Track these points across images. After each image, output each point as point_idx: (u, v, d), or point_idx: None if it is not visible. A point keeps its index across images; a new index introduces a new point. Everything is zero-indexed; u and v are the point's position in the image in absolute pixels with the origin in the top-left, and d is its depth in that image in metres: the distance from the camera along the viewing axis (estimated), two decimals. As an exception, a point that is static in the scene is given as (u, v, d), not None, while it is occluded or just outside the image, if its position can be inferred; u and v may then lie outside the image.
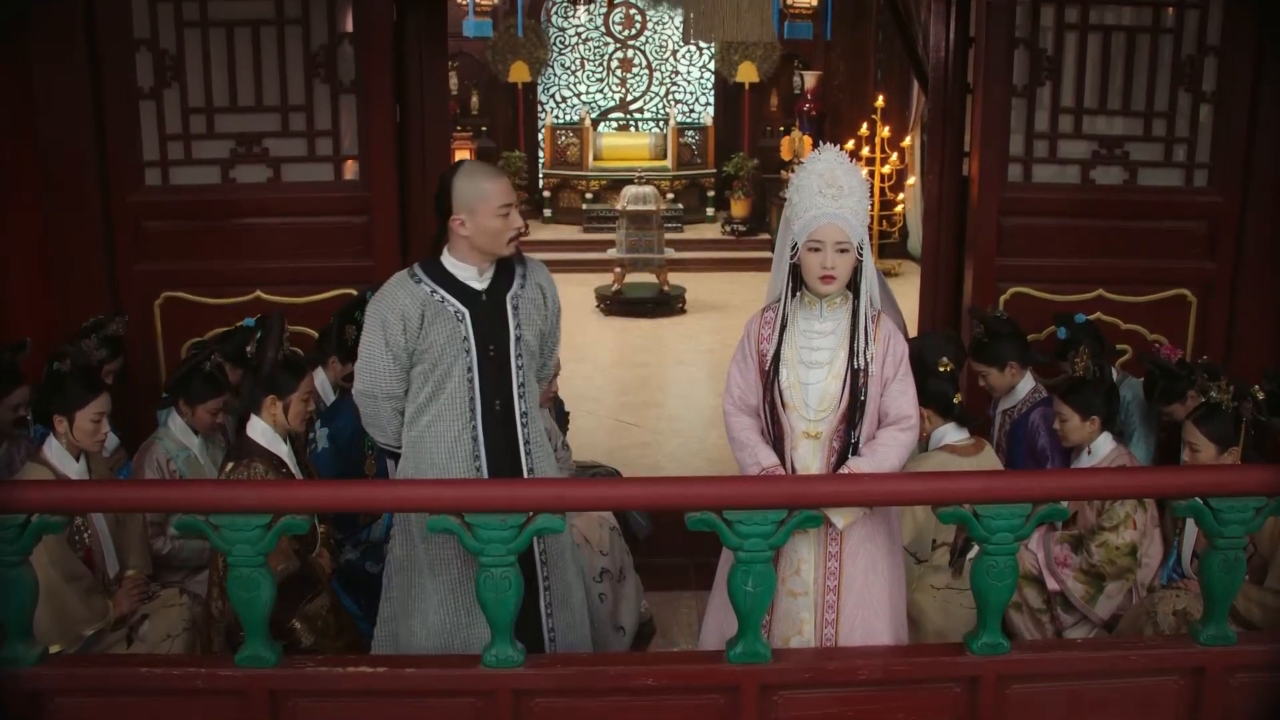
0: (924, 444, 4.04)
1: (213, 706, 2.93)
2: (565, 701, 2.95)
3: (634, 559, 4.32)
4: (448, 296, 3.18)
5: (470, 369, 3.19)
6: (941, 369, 3.97)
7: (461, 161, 3.33)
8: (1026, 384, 4.43)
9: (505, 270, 3.26)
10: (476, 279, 3.22)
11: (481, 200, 3.12)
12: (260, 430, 3.58)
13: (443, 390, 3.19)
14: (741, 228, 12.76)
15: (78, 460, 3.64)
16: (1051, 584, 3.92)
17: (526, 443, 3.28)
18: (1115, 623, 3.88)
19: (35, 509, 2.83)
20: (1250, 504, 2.93)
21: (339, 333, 4.39)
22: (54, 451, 3.60)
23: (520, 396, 3.26)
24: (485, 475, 3.22)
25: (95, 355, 4.05)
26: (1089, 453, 3.98)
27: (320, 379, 4.43)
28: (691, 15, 4.69)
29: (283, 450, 3.61)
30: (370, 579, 3.97)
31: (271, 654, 2.91)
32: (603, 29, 13.91)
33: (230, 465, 3.52)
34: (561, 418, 4.88)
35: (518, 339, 3.24)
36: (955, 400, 3.99)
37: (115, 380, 4.43)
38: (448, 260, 3.22)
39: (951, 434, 4.00)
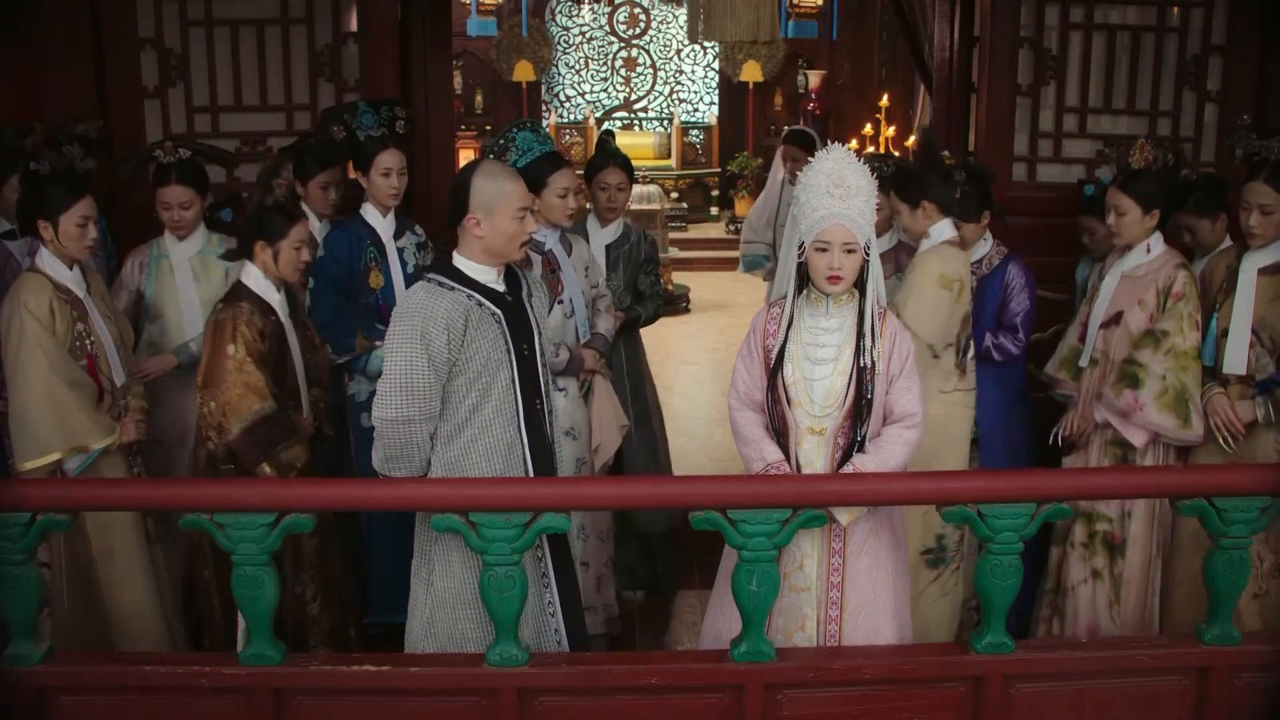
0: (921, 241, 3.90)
1: (217, 704, 2.93)
2: (569, 700, 2.95)
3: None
4: (484, 300, 3.06)
5: (512, 372, 3.11)
6: (948, 161, 3.85)
7: (480, 160, 3.22)
8: (986, 241, 4.17)
9: (509, 270, 3.20)
10: (496, 281, 3.12)
11: (502, 200, 3.03)
12: (254, 277, 3.51)
13: (488, 399, 3.06)
14: (746, 227, 12.75)
15: (71, 269, 3.54)
16: (1138, 437, 3.65)
17: (552, 441, 3.26)
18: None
19: (39, 507, 2.83)
20: (1255, 503, 2.92)
21: (325, 133, 4.08)
22: (46, 261, 3.50)
23: (547, 394, 3.23)
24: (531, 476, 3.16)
25: (81, 164, 3.74)
26: (1148, 250, 3.74)
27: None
28: (698, 14, 4.69)
29: (274, 299, 3.52)
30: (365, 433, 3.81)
31: (276, 652, 2.91)
32: (607, 28, 13.92)
33: (220, 306, 3.47)
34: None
35: (539, 336, 3.21)
36: (955, 198, 3.82)
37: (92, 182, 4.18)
38: (465, 264, 3.08)
39: (948, 230, 3.85)
